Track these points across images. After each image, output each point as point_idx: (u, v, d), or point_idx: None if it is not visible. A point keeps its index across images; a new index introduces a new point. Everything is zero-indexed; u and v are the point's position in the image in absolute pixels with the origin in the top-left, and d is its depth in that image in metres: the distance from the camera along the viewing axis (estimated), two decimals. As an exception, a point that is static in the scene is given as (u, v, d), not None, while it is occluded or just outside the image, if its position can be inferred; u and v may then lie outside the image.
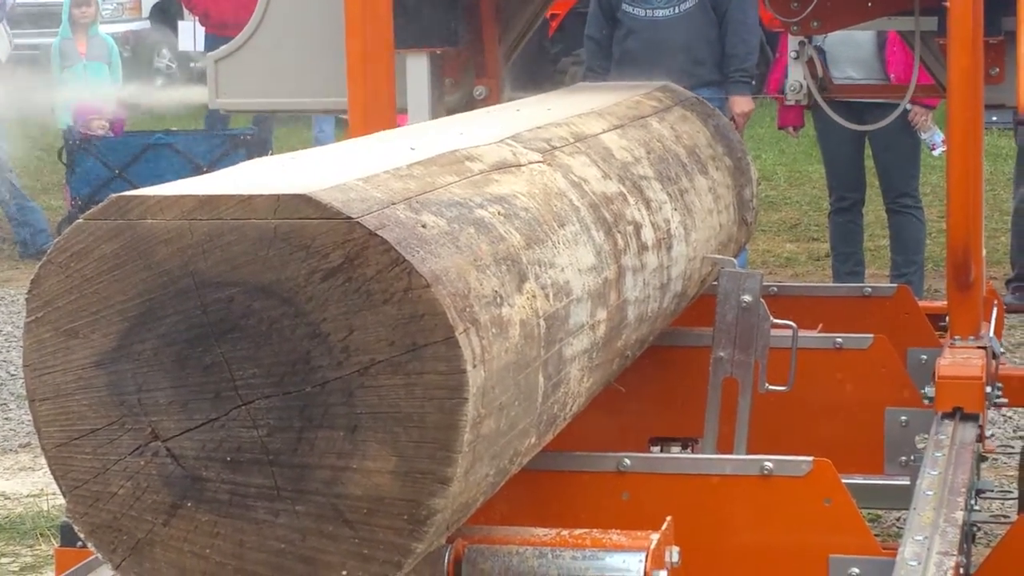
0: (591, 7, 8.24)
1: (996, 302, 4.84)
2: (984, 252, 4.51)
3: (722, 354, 3.69)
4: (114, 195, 2.26)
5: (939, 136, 8.23)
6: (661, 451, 3.53)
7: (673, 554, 2.62)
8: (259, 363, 2.20)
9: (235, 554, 2.24)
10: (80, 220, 2.26)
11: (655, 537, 2.58)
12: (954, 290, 4.30)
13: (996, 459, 5.83)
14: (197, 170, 10.25)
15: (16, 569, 5.46)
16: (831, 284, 7.99)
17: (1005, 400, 4.34)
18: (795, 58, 5.18)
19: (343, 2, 4.23)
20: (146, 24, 17.94)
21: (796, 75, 5.21)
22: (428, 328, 2.18)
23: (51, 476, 2.31)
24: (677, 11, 8.00)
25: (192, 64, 16.11)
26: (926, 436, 3.93)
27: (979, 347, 4.21)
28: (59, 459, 2.29)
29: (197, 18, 13.33)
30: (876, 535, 3.31)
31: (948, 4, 4.15)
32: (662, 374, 4.21)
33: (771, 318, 3.68)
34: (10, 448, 6.88)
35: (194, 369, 2.22)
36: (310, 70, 4.89)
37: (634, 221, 3.33)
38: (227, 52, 5.04)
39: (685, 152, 4.01)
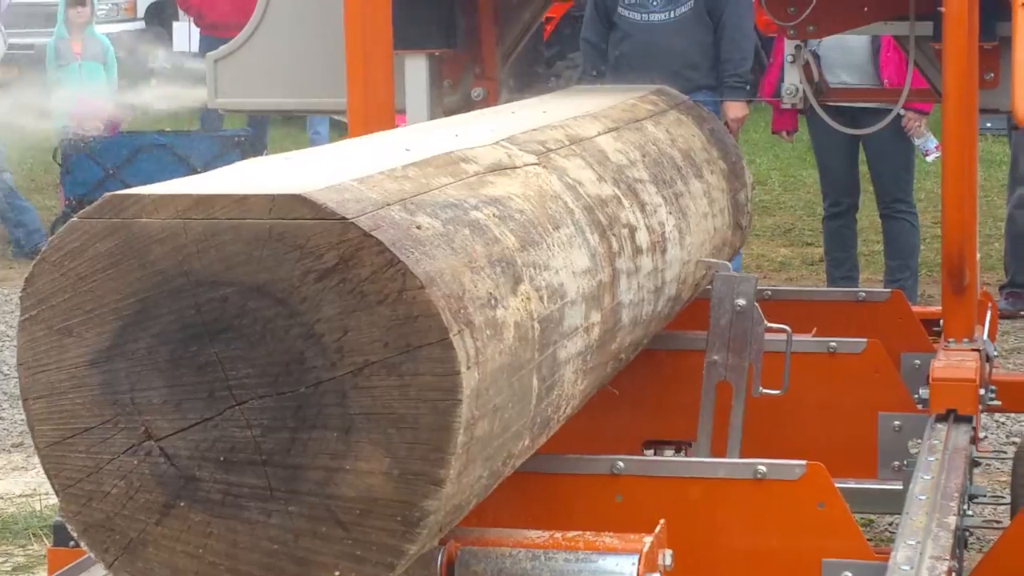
0: (587, 10, 8.25)
1: (990, 306, 4.85)
2: (978, 257, 4.51)
3: (716, 358, 3.69)
4: (109, 194, 2.25)
5: (932, 142, 8.24)
6: (655, 454, 3.54)
7: (666, 557, 2.62)
8: (253, 363, 2.19)
9: (228, 554, 2.24)
10: (75, 219, 2.26)
11: (648, 540, 2.58)
12: (949, 293, 4.32)
13: (989, 464, 5.84)
14: (192, 171, 10.23)
15: (8, 569, 5.45)
16: (825, 288, 7.99)
17: (998, 402, 4.34)
18: (791, 62, 5.19)
19: (342, 3, 4.24)
20: (141, 24, 17.94)
21: (792, 79, 5.22)
22: (422, 329, 2.18)
23: (44, 475, 2.31)
24: (673, 15, 8.00)
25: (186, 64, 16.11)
26: (919, 441, 3.93)
27: (973, 350, 4.23)
28: (52, 458, 2.29)
29: (191, 19, 13.33)
30: (869, 539, 3.31)
31: (943, 9, 4.15)
32: (656, 377, 4.20)
33: (765, 322, 3.68)
34: (3, 448, 6.87)
35: (188, 369, 2.22)
36: (309, 71, 4.90)
37: (629, 224, 3.32)
38: (226, 52, 5.05)
39: (680, 156, 4.01)
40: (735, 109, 8.15)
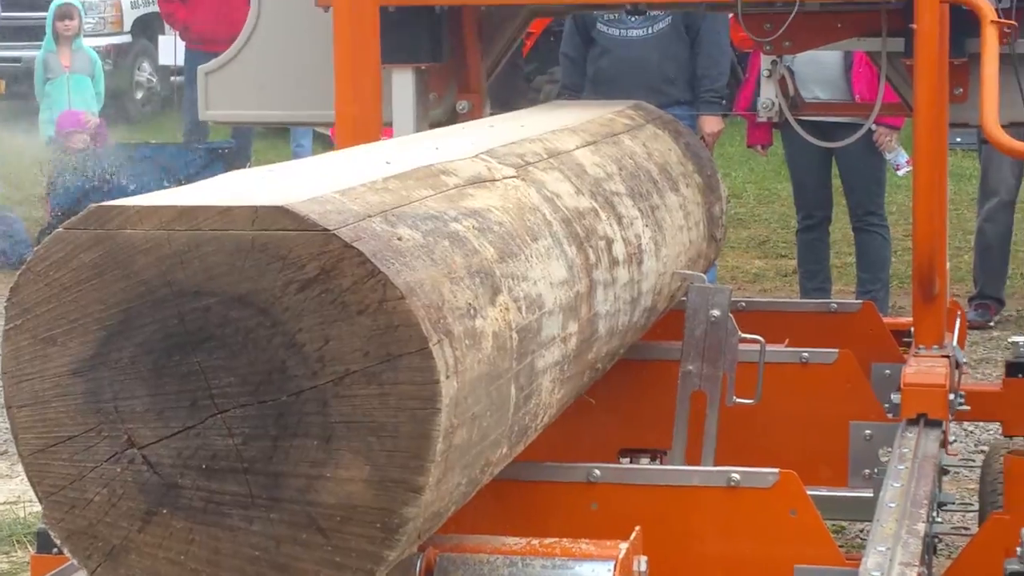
0: (567, 26, 8.25)
1: (959, 314, 4.87)
2: (948, 267, 4.53)
3: (691, 367, 3.70)
4: (94, 205, 2.25)
5: (903, 156, 8.26)
6: (630, 462, 3.53)
7: (641, 563, 2.62)
8: (235, 372, 2.19)
9: (210, 560, 2.23)
10: (60, 230, 2.25)
11: (624, 547, 2.58)
12: (919, 301, 4.33)
13: (958, 472, 5.85)
14: (176, 182, 10.22)
15: (-7, 574, 5.44)
16: (798, 300, 8.00)
17: (967, 408, 4.35)
18: (767, 76, 5.20)
19: (332, 18, 4.25)
20: (128, 38, 17.93)
21: (768, 93, 5.23)
22: (402, 339, 2.17)
23: (28, 483, 2.30)
24: (650, 31, 8.01)
25: (171, 77, 16.11)
26: (889, 449, 3.94)
27: (943, 356, 4.24)
28: (36, 465, 2.28)
29: (177, 32, 13.32)
30: (840, 546, 3.32)
31: (915, 26, 4.17)
32: (632, 387, 4.21)
33: (739, 332, 3.68)
34: (-12, 455, 6.85)
35: (171, 377, 2.21)
36: (298, 84, 4.93)
37: (606, 236, 3.33)
38: (217, 66, 5.08)
39: (656, 169, 4.02)
40: (711, 123, 8.16)
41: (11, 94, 14.83)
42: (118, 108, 15.80)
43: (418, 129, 4.65)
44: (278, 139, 14.69)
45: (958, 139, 11.03)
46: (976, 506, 4.85)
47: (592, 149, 3.69)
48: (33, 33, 14.01)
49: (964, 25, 4.37)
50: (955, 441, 6.12)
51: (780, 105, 5.22)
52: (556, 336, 2.86)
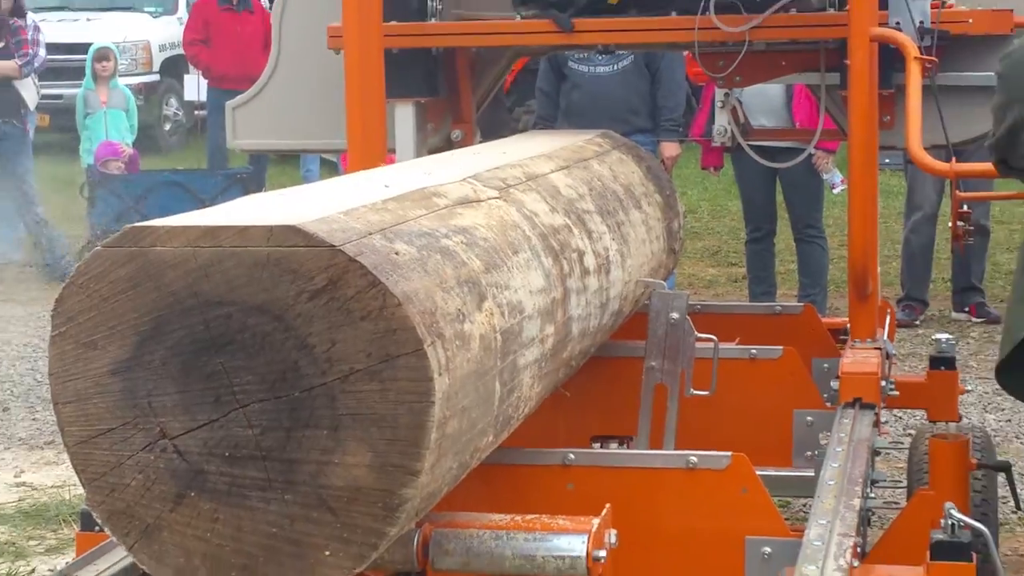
0: (542, 64, 8.25)
1: (889, 311, 4.88)
2: (879, 272, 4.54)
3: (653, 364, 3.70)
4: (128, 226, 2.25)
5: (838, 176, 8.28)
6: (601, 447, 3.53)
7: (611, 536, 2.62)
8: (254, 371, 2.19)
9: (233, 537, 2.23)
10: (99, 248, 2.25)
11: (596, 522, 2.58)
12: (855, 300, 4.35)
13: (889, 453, 5.85)
14: (200, 204, 10.21)
15: (42, 551, 5.42)
16: (747, 303, 8.01)
17: (897, 394, 4.37)
18: (721, 107, 5.21)
19: (343, 59, 4.28)
20: (157, 77, 17.91)
21: (722, 121, 5.25)
22: (400, 341, 2.18)
23: (72, 470, 2.30)
24: (615, 68, 8.02)
25: (196, 111, 16.07)
26: (828, 433, 3.94)
27: (875, 348, 4.26)
28: (80, 455, 2.28)
29: (200, 72, 13.30)
30: (786, 519, 3.31)
31: (849, 63, 4.19)
32: (602, 381, 4.20)
33: (695, 332, 3.69)
34: (37, 445, 6.83)
35: (197, 377, 2.21)
36: (314, 116, 4.97)
37: (578, 249, 3.33)
38: (243, 101, 5.15)
39: (622, 190, 4.02)
40: (670, 149, 8.17)
41: (55, 127, 14.79)
42: (149, 139, 15.78)
43: (418, 155, 4.68)
44: (288, 165, 14.66)
45: (886, 160, 11.05)
46: (905, 483, 4.86)
47: (565, 172, 3.70)
48: (74, 74, 13.98)
49: (891, 61, 4.39)
50: (886, 423, 6.12)
51: (733, 131, 5.23)
52: (535, 337, 2.86)
